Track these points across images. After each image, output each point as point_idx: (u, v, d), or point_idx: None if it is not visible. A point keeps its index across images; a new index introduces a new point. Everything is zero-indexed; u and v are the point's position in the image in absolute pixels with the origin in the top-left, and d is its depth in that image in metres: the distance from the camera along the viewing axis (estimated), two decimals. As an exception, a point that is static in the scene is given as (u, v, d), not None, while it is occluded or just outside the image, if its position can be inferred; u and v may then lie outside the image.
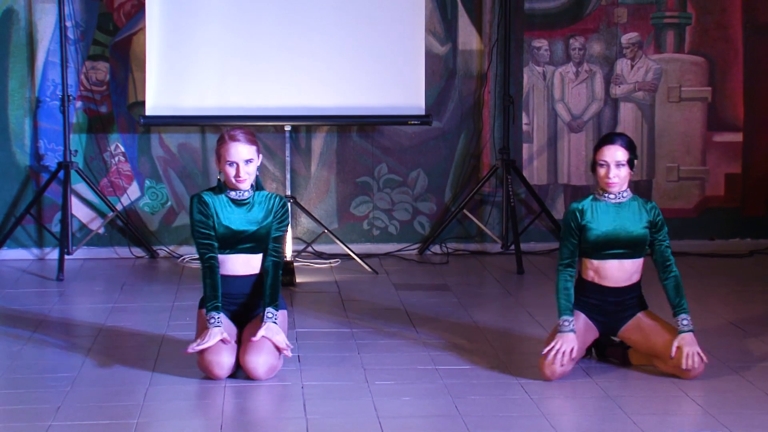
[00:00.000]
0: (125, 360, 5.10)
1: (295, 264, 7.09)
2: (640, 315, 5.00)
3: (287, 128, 7.30)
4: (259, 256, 5.00)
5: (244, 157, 4.93)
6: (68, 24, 7.36)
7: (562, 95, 7.84)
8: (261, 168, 7.68)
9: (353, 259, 7.25)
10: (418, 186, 7.83)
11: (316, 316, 6.00)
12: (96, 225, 7.60)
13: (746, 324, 5.78)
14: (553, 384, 4.78)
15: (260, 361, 4.81)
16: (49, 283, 6.87)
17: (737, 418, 4.34)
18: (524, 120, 7.82)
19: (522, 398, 4.61)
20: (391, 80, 7.29)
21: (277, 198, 5.06)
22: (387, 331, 5.67)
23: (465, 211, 7.67)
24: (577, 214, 4.96)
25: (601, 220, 4.95)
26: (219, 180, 5.02)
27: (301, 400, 4.61)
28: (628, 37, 7.82)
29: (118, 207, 7.55)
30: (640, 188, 7.85)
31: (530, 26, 7.77)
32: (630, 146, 4.97)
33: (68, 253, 7.27)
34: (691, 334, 4.84)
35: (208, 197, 4.98)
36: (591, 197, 5.01)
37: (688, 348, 4.80)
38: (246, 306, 5.02)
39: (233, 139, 4.92)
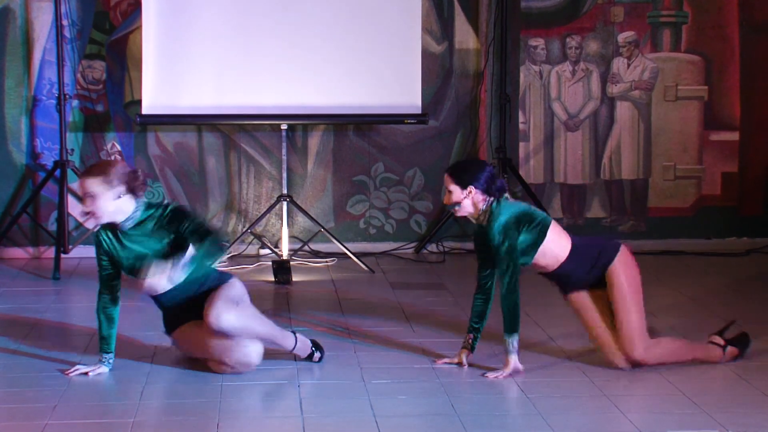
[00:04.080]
0: (121, 358, 5.09)
1: (291, 263, 7.09)
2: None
3: (284, 127, 7.30)
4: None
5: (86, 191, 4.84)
6: (65, 23, 7.36)
7: (559, 94, 7.84)
8: (256, 166, 7.70)
9: (350, 257, 7.25)
10: (414, 185, 7.83)
11: (312, 315, 6.00)
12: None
13: (743, 323, 5.77)
14: (549, 382, 4.78)
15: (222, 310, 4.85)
16: (46, 282, 6.87)
17: (733, 416, 4.34)
18: (521, 119, 7.82)
19: (518, 397, 4.61)
20: (387, 79, 7.29)
21: (159, 210, 4.91)
22: (383, 329, 5.67)
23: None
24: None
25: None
26: None
27: (298, 398, 4.61)
28: (624, 36, 7.82)
29: (115, 206, 7.54)
30: (636, 187, 7.87)
31: (527, 25, 7.77)
32: (455, 174, 4.93)
33: (65, 252, 7.27)
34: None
35: (104, 235, 4.94)
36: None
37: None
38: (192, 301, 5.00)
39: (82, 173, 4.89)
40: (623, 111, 7.87)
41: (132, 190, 4.85)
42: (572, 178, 7.87)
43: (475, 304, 5.00)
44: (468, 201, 4.89)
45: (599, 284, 4.98)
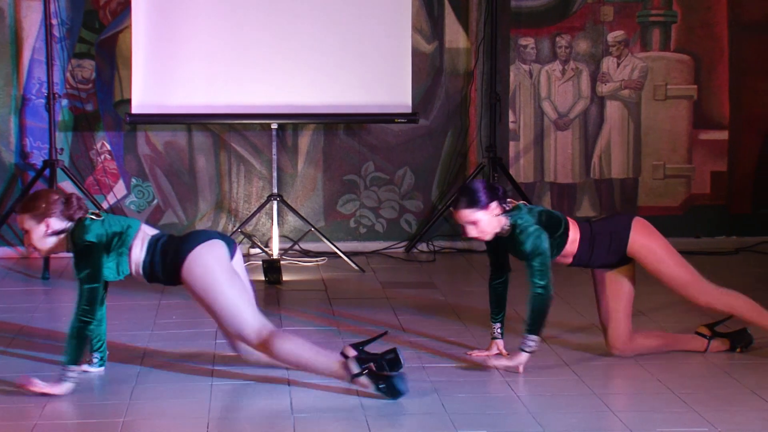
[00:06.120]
0: (111, 358, 5.07)
1: (281, 262, 7.08)
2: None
3: (274, 126, 7.30)
4: None
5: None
6: (54, 22, 7.34)
7: (549, 93, 7.85)
8: (247, 166, 7.70)
9: (340, 257, 7.25)
10: (404, 184, 7.83)
11: (302, 315, 5.99)
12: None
13: (732, 322, 5.78)
14: (539, 381, 4.79)
15: None
16: (35, 282, 6.86)
17: (722, 414, 4.34)
18: (511, 118, 7.83)
19: (508, 396, 4.62)
20: (377, 78, 7.29)
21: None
22: (374, 328, 5.67)
23: (452, 209, 7.67)
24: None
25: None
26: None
27: (288, 398, 4.61)
28: (614, 35, 7.84)
29: (105, 205, 7.54)
30: (626, 186, 7.88)
31: (517, 24, 7.78)
32: (472, 202, 4.83)
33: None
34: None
35: None
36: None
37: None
38: None
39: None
40: (613, 110, 7.88)
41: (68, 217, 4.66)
42: (562, 177, 7.88)
43: (492, 298, 5.07)
44: (494, 219, 4.84)
45: (625, 261, 5.03)
